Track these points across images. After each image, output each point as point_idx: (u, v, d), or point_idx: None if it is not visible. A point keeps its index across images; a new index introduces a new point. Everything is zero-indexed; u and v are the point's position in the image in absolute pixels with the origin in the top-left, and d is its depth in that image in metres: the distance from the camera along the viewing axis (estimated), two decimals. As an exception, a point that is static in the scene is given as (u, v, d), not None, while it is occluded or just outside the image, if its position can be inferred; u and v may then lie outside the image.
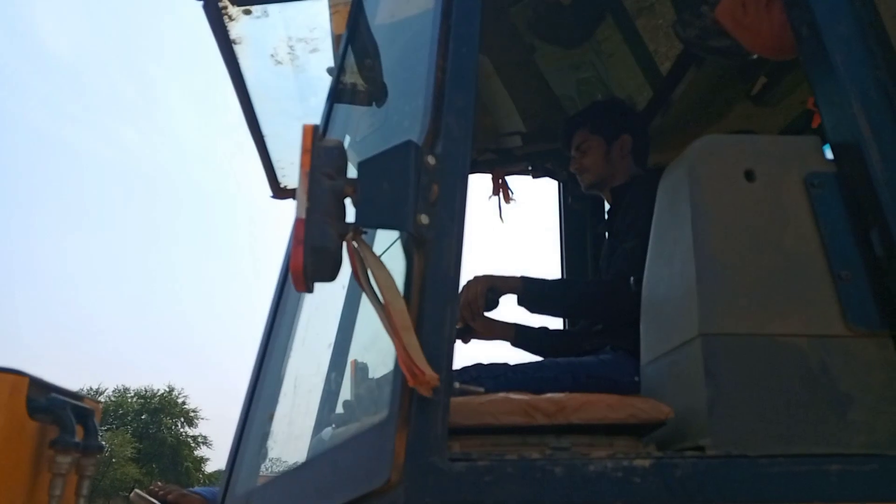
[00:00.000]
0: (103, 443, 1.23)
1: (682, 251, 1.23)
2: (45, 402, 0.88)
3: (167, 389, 39.63)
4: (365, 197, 1.09)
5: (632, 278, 1.72)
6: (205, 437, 40.45)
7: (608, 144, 2.25)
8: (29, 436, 0.86)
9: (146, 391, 39.22)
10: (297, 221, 1.07)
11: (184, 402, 39.97)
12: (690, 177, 1.26)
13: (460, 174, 1.17)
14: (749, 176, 1.24)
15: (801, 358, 1.10)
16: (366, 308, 1.54)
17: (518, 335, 2.15)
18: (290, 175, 2.85)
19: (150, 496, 1.66)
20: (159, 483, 1.67)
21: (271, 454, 1.25)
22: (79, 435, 1.08)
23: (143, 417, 38.25)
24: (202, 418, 40.61)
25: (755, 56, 2.01)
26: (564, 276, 2.93)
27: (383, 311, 1.00)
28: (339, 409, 1.41)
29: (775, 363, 1.09)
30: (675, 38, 2.44)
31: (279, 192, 2.90)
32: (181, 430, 39.29)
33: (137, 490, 1.61)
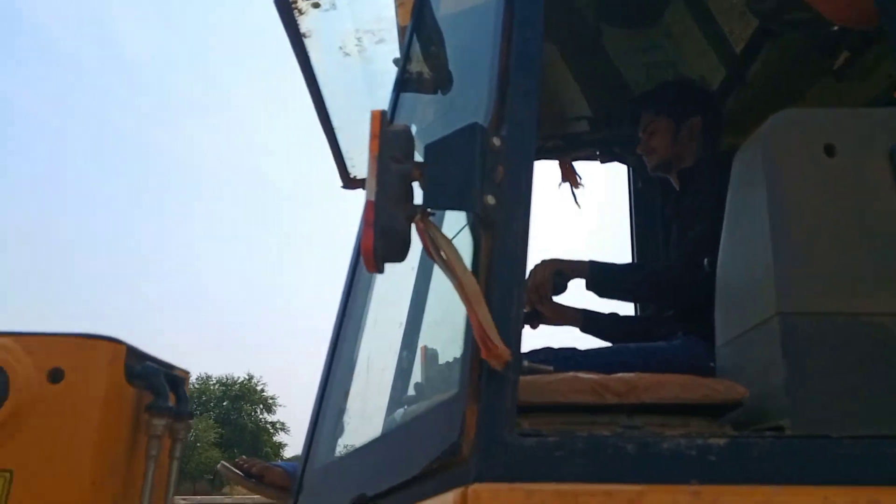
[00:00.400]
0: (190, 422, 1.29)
1: (759, 229, 1.19)
2: (141, 369, 0.94)
3: (247, 377, 41.08)
4: (432, 179, 1.11)
5: (706, 260, 1.68)
6: (283, 424, 41.76)
7: (676, 126, 2.20)
8: (127, 400, 0.92)
9: (227, 379, 40.78)
10: (367, 204, 1.10)
11: (262, 390, 41.33)
12: (766, 152, 1.22)
13: (526, 155, 1.17)
14: (829, 150, 1.19)
15: (885, 337, 1.05)
16: (435, 287, 1.57)
17: (586, 320, 2.14)
18: (360, 166, 2.91)
19: (236, 469, 1.76)
20: (244, 457, 1.76)
21: (347, 430, 1.29)
22: (171, 401, 1.15)
23: (224, 404, 39.80)
24: (280, 405, 41.85)
25: (836, 27, 1.92)
26: (635, 262, 2.89)
27: (457, 285, 1.02)
28: (412, 388, 1.45)
29: (857, 342, 1.05)
30: (749, 18, 2.35)
31: (349, 182, 2.97)
32: (260, 416, 40.67)
33: (224, 462, 1.70)
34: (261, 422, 40.54)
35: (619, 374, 1.13)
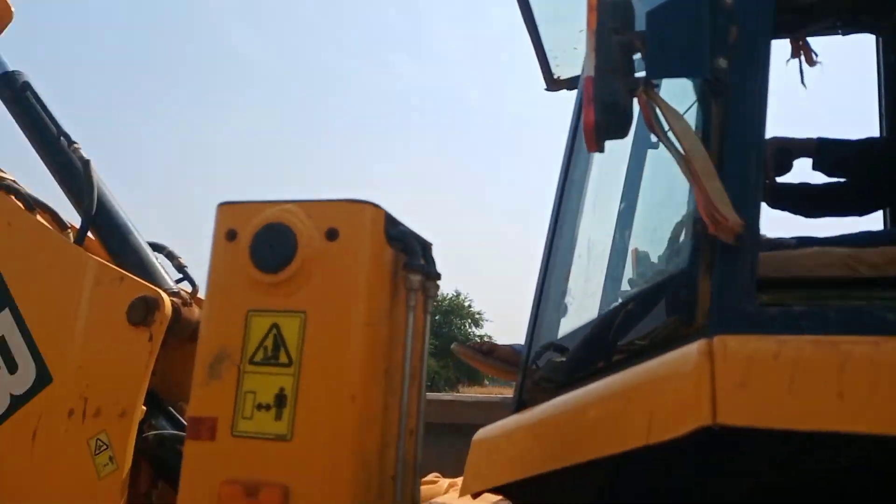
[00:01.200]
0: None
1: None
2: (396, 232, 1.06)
3: (455, 294, 43.38)
4: (655, 46, 1.06)
5: None
6: (490, 337, 43.78)
7: None
8: (387, 257, 1.05)
9: (438, 295, 43.37)
10: (587, 79, 1.08)
11: (469, 305, 43.36)
12: None
13: (762, 12, 1.06)
14: None
15: None
16: (653, 164, 1.51)
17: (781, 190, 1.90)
18: (564, 65, 2.84)
19: (468, 347, 1.93)
20: (473, 341, 1.91)
21: (570, 309, 1.33)
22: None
23: (436, 318, 42.56)
24: (487, 320, 43.66)
25: None
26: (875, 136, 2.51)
27: (682, 159, 0.98)
28: (625, 283, 1.43)
29: None
30: None
31: (553, 83, 2.91)
32: (469, 329, 42.97)
33: (457, 343, 1.88)
34: (470, 335, 42.83)
35: (877, 248, 1.02)
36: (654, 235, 1.35)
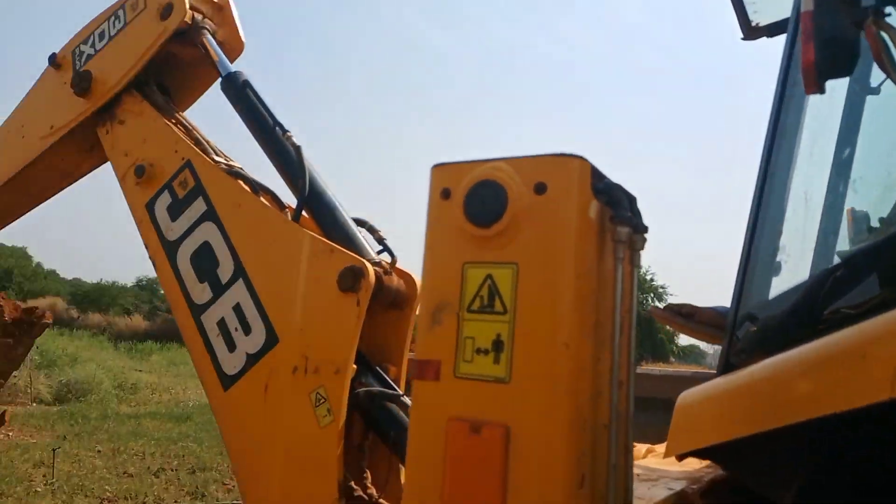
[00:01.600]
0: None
1: None
2: (603, 185, 1.06)
3: (637, 268, 41.90)
4: (889, -31, 0.95)
5: None
6: (677, 313, 41.67)
7: None
8: (594, 211, 1.06)
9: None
10: (804, 14, 0.99)
11: (652, 279, 41.73)
12: None
13: None
14: None
15: None
16: (873, 111, 1.35)
17: None
18: (763, 10, 2.61)
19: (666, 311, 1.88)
20: (672, 303, 1.85)
21: (783, 268, 1.24)
22: None
23: (619, 292, 41.42)
24: (670, 294, 41.77)
25: None
26: None
27: None
28: (846, 227, 1.30)
29: None
30: None
31: (750, 31, 2.69)
32: (651, 304, 41.33)
33: (654, 306, 1.84)
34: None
35: None
36: (876, 190, 1.22)
